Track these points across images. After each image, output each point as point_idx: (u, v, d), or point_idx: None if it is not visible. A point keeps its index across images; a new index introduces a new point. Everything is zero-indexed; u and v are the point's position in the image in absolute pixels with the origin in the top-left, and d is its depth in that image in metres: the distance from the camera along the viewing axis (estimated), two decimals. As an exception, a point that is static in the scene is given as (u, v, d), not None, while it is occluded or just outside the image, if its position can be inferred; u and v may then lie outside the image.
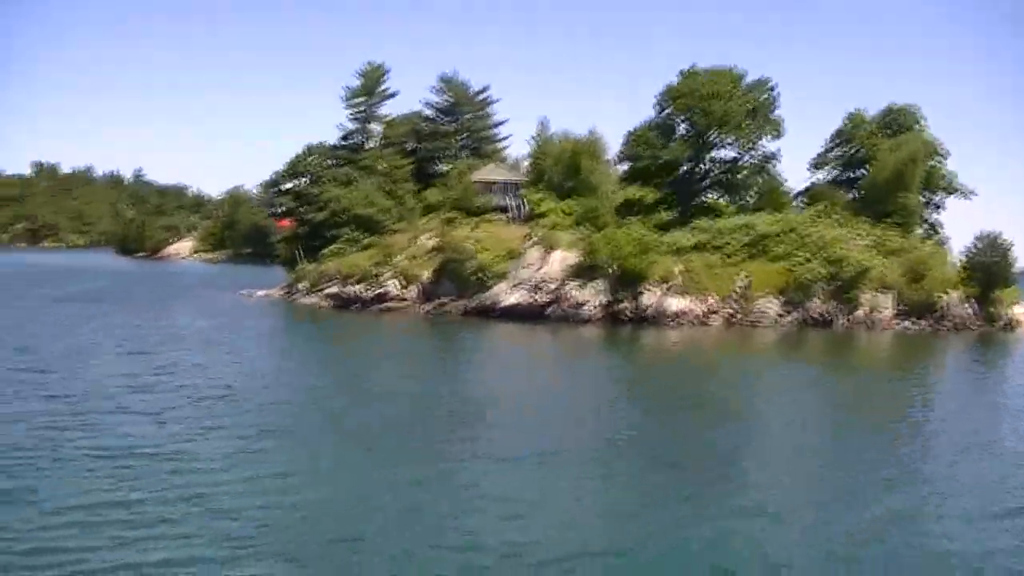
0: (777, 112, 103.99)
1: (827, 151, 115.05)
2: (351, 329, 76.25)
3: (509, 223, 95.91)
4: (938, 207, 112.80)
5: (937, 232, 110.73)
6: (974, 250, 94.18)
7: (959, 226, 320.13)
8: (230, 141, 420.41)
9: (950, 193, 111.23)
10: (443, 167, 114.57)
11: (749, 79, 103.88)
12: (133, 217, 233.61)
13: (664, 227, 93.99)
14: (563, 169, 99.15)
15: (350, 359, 59.50)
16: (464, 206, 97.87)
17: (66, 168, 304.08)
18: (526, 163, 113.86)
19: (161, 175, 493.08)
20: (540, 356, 64.92)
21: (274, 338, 65.29)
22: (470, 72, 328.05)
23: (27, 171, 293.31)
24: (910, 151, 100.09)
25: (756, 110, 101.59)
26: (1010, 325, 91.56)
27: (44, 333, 62.06)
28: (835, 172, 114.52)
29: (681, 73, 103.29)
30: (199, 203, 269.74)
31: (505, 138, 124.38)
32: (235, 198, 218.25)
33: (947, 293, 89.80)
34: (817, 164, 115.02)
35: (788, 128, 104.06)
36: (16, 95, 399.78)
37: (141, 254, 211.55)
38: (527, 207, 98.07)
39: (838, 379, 57.98)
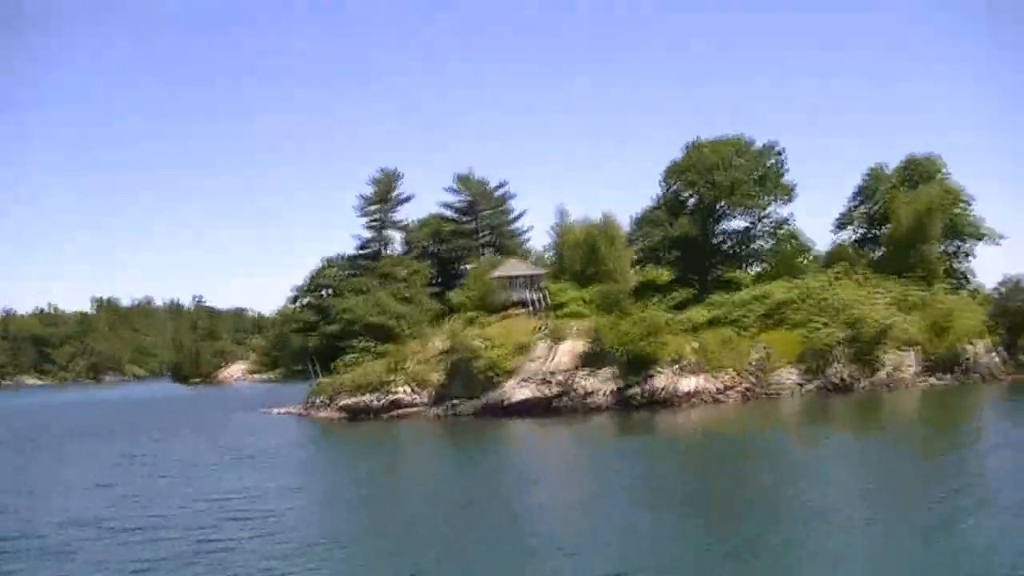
0: (787, 176, 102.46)
1: (850, 210, 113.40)
2: (351, 441, 74.80)
3: (530, 317, 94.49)
4: (967, 255, 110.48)
5: (969, 281, 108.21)
6: (998, 295, 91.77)
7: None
8: (287, 258, 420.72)
9: (978, 240, 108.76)
10: (466, 266, 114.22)
11: (757, 144, 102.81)
12: (188, 344, 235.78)
13: (682, 305, 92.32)
14: (582, 256, 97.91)
15: (326, 478, 57.47)
16: (485, 304, 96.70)
17: (126, 301, 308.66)
18: (548, 254, 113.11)
19: (222, 300, 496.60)
20: (550, 458, 61.33)
21: (258, 458, 63.22)
22: (486, 167, 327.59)
23: (87, 307, 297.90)
24: (927, 201, 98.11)
25: (764, 176, 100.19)
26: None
27: (24, 470, 62.03)
28: (861, 230, 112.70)
29: (686, 146, 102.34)
30: (258, 325, 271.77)
31: (526, 231, 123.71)
32: (284, 316, 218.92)
33: (972, 344, 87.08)
34: (841, 224, 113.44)
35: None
36: (72, 232, 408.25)
37: (196, 380, 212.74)
38: (545, 298, 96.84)
39: (871, 449, 54.84)
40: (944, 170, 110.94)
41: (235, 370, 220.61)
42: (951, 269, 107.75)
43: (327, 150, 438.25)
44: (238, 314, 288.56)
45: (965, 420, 67.37)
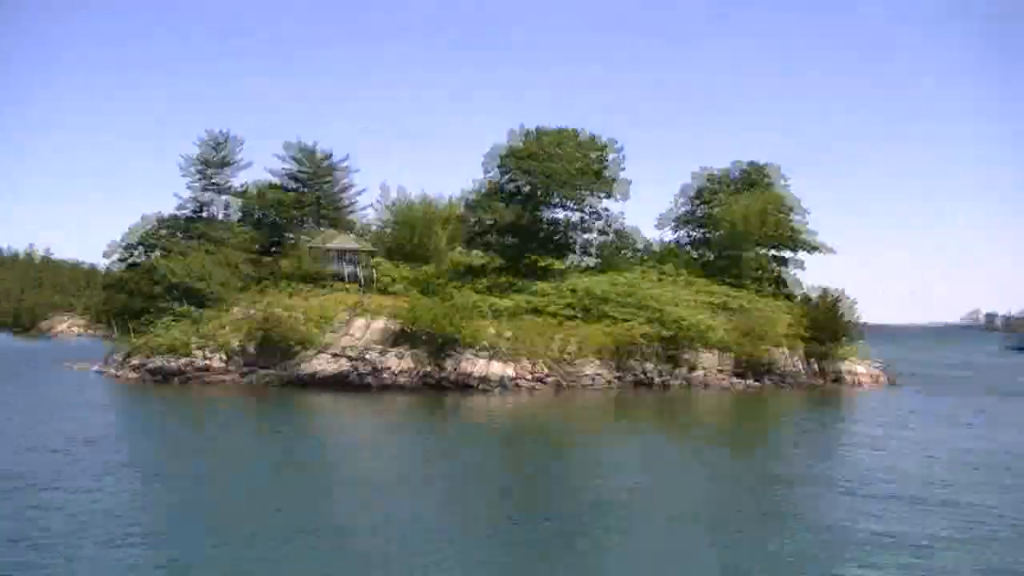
0: (623, 173, 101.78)
1: (683, 210, 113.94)
2: (129, 402, 72.60)
3: (353, 292, 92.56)
4: (793, 264, 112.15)
5: (795, 288, 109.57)
6: (810, 306, 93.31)
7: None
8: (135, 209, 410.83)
9: (810, 250, 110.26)
10: (303, 237, 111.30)
11: (600, 140, 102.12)
12: (16, 295, 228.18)
13: (502, 291, 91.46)
14: (408, 235, 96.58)
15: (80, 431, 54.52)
16: (310, 275, 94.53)
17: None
18: (379, 230, 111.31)
19: (71, 251, 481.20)
20: (346, 433, 60.42)
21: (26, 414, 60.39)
22: (326, 140, 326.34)
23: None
24: (757, 208, 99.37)
25: (600, 171, 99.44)
26: (852, 380, 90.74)
27: None
28: (693, 231, 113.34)
29: (524, 133, 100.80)
30: (90, 278, 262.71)
31: (363, 207, 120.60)
32: (106, 272, 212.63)
33: (782, 350, 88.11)
34: (661, 223, 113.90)
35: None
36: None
37: (21, 332, 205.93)
38: (372, 274, 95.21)
39: (668, 447, 54.90)
40: (781, 179, 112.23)
41: (62, 323, 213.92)
42: (777, 277, 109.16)
43: (182, 111, 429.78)
44: (74, 266, 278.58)
45: (765, 424, 68.56)
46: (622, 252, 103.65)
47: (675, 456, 50.97)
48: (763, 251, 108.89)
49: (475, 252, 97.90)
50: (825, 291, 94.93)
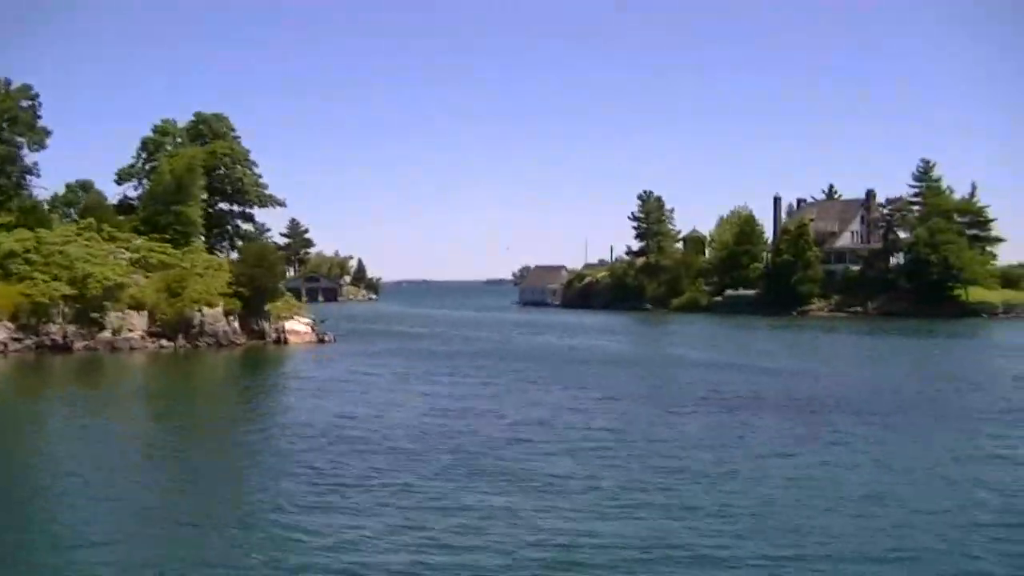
0: (41, 123, 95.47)
1: (135, 163, 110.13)
2: None
3: None
4: (248, 218, 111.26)
5: (248, 241, 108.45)
6: (238, 262, 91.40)
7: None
8: None
9: (260, 204, 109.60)
10: None
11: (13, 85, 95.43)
12: None
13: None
14: None
15: None
16: None
17: None
18: None
19: None
20: None
21: None
22: None
23: None
24: (188, 160, 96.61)
25: (15, 119, 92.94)
26: (282, 339, 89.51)
27: None
28: (138, 184, 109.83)
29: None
30: None
31: None
32: None
33: (207, 307, 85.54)
34: (121, 178, 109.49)
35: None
36: None
37: None
38: None
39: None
40: (233, 131, 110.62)
41: None
42: (229, 231, 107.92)
43: None
44: None
45: (170, 386, 64.93)
46: (53, 207, 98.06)
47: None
48: (225, 206, 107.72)
49: None
50: (262, 246, 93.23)
